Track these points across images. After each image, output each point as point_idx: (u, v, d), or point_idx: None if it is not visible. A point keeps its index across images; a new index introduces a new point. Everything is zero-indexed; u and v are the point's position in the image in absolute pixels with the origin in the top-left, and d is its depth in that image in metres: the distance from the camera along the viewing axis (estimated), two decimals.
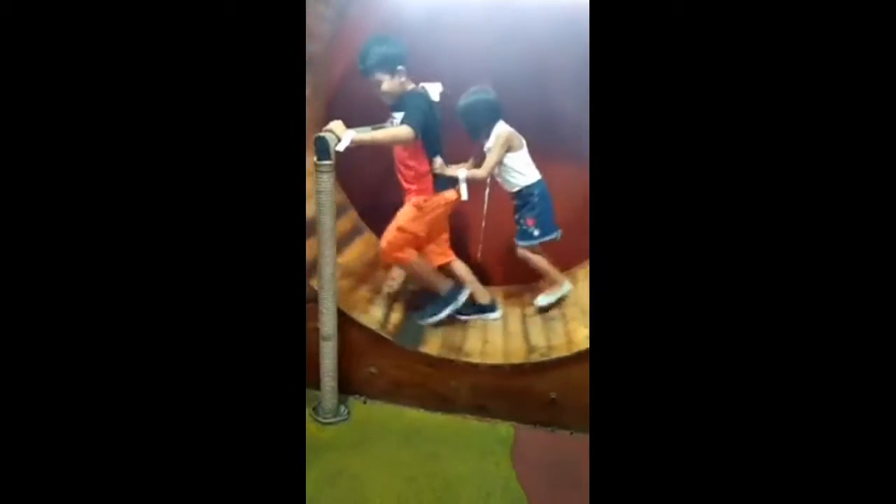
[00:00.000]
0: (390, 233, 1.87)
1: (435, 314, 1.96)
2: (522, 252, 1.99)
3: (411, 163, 1.80)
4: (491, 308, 2.06)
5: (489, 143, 1.89)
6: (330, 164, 1.49)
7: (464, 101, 1.87)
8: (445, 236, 2.00)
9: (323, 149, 1.46)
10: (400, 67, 1.68)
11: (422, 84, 1.74)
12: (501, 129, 1.87)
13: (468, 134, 1.92)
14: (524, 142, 1.90)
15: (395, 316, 1.99)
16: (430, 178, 1.82)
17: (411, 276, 2.05)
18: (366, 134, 1.59)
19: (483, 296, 2.05)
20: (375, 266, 2.21)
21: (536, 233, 1.93)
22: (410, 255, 1.89)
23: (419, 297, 2.09)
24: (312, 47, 1.78)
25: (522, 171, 1.90)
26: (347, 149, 1.50)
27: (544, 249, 2.03)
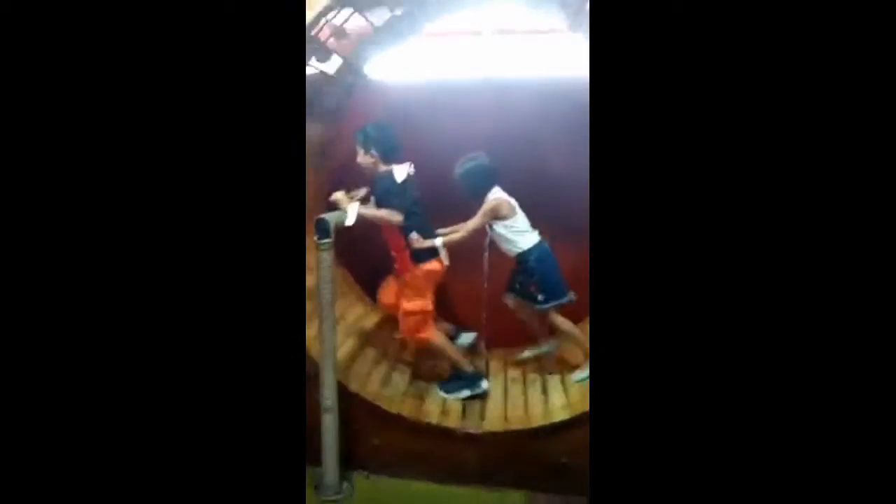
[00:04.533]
0: (401, 320, 1.97)
1: (456, 391, 2.02)
2: (514, 305, 2.04)
3: (389, 237, 1.95)
4: (478, 378, 2.05)
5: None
6: (329, 242, 1.59)
7: (459, 168, 1.99)
8: (428, 310, 1.99)
9: (323, 229, 1.57)
10: (373, 150, 1.89)
11: (390, 167, 1.89)
12: (490, 197, 1.96)
13: (469, 197, 2.00)
14: (517, 208, 1.97)
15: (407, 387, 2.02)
16: (407, 252, 1.91)
17: (437, 354, 2.08)
18: (367, 210, 1.82)
19: (467, 366, 2.06)
20: (375, 337, 2.24)
21: (541, 297, 1.95)
22: (432, 334, 1.97)
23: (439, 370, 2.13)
24: (319, 133, 1.98)
25: (516, 237, 1.96)
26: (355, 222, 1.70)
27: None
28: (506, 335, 2.37)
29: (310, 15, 1.54)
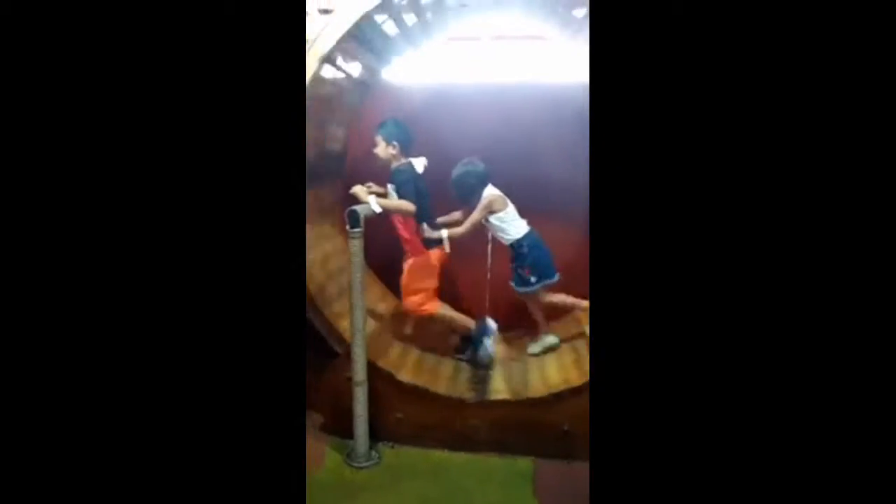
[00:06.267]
0: (406, 296, 2.20)
1: (477, 347, 2.21)
2: (523, 295, 2.24)
3: (402, 227, 2.16)
4: (484, 327, 2.26)
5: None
6: (360, 231, 1.76)
7: (455, 172, 2.20)
8: (433, 288, 2.23)
9: (354, 219, 1.74)
10: (394, 143, 2.08)
11: (409, 159, 2.09)
12: (486, 193, 2.18)
13: (460, 200, 2.24)
14: (508, 202, 2.20)
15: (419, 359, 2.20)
16: (418, 239, 2.15)
17: (443, 324, 2.29)
18: (384, 201, 2.00)
19: (472, 323, 2.27)
20: (395, 319, 2.42)
21: (533, 279, 2.19)
22: (433, 306, 2.19)
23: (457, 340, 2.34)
24: (333, 146, 2.13)
25: (510, 227, 2.20)
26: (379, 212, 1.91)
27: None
28: (507, 320, 2.58)
29: (350, 20, 1.70)
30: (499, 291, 2.53)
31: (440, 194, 2.20)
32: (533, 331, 2.37)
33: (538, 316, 2.30)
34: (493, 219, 2.18)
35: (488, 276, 2.61)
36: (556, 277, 2.23)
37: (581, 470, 1.92)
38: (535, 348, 2.29)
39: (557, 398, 1.95)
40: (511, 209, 2.19)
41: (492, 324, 2.25)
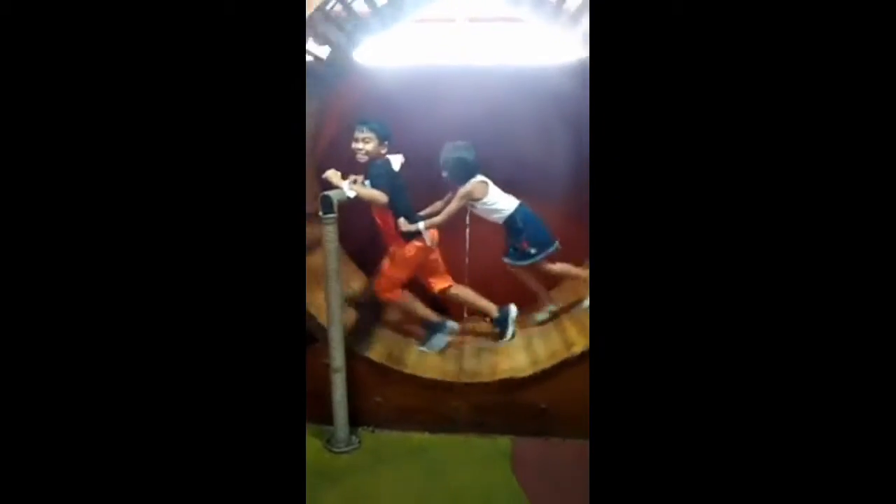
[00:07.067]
0: (378, 279, 2.26)
1: (434, 342, 2.26)
2: (521, 269, 2.26)
3: (381, 220, 2.18)
4: (444, 324, 2.31)
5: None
6: (334, 217, 1.74)
7: (446, 154, 2.18)
8: (441, 268, 2.33)
9: (328, 205, 1.71)
10: (386, 142, 2.10)
11: (387, 156, 2.10)
12: (467, 183, 2.18)
13: (451, 181, 2.22)
14: (489, 183, 2.21)
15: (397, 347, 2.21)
16: (398, 232, 2.16)
17: (404, 312, 2.34)
18: (358, 187, 1.99)
19: (435, 317, 2.33)
20: (375, 305, 2.41)
21: (534, 251, 2.21)
22: (398, 294, 2.25)
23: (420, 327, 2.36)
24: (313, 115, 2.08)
25: (498, 205, 2.20)
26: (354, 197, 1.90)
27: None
28: (488, 292, 2.59)
29: (311, 3, 1.65)
30: (478, 273, 2.56)
31: (416, 177, 2.18)
32: (531, 303, 2.39)
33: (537, 288, 2.32)
34: (479, 205, 2.19)
35: (466, 245, 2.64)
36: (556, 245, 2.24)
37: (557, 445, 1.98)
38: (540, 316, 2.31)
39: (536, 378, 1.99)
40: (493, 192, 2.20)
41: (513, 310, 2.29)
